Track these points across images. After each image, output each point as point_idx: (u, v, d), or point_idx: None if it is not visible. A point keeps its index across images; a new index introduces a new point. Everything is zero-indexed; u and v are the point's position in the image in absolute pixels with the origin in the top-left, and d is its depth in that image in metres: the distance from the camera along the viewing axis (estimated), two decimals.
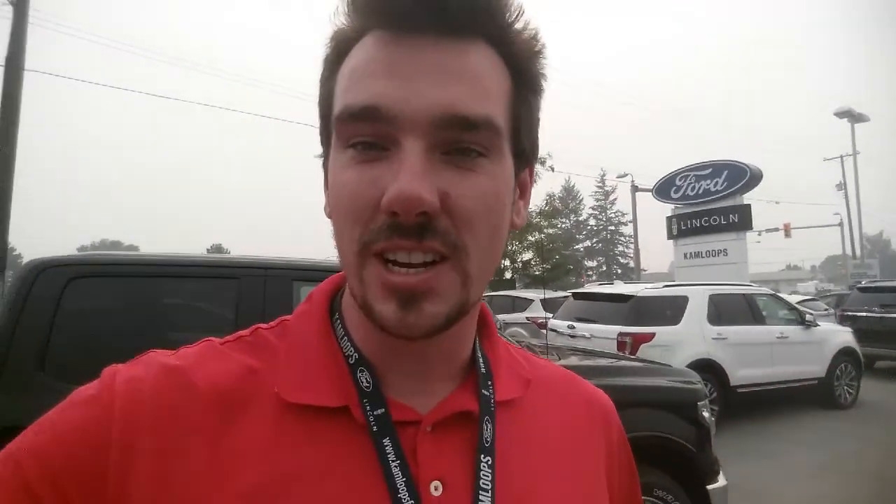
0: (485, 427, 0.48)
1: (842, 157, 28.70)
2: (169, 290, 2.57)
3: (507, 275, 19.40)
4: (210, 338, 0.50)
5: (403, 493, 0.42)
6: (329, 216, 0.47)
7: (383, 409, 0.45)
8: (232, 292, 2.49)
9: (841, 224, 29.74)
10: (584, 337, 6.49)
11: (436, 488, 0.44)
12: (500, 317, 9.96)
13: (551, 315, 8.07)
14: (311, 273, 2.72)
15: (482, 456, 0.47)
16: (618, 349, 6.01)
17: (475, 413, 0.48)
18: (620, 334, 6.13)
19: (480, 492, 0.45)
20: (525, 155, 0.49)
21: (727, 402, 6.42)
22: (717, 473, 3.08)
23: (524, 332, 9.33)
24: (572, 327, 6.80)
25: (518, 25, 0.45)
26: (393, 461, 0.43)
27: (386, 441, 0.44)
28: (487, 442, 0.48)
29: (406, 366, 0.48)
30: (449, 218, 0.41)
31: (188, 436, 0.42)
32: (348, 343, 0.48)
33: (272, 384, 0.46)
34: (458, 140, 0.42)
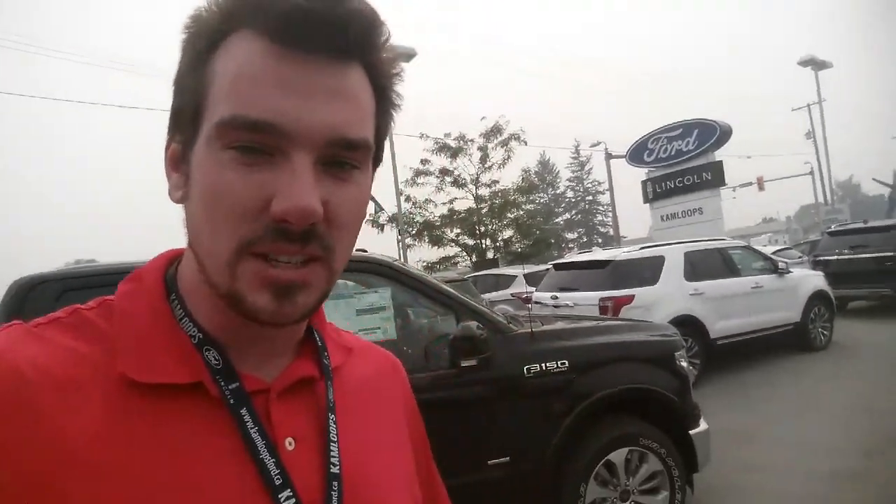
0: (329, 390, 0.56)
1: (808, 105, 29.13)
2: None
3: (490, 254, 19.53)
4: (15, 321, 0.49)
5: (264, 454, 0.47)
6: (178, 202, 0.50)
7: (238, 384, 0.49)
8: None
9: (812, 172, 30.32)
10: (567, 306, 6.66)
11: (290, 444, 0.50)
12: (486, 295, 10.08)
13: (534, 289, 8.25)
14: None
15: (330, 414, 0.54)
16: (600, 314, 6.20)
17: (315, 378, 0.55)
18: (601, 299, 6.31)
19: (331, 444, 0.52)
20: (377, 161, 0.55)
21: (708, 355, 6.66)
22: (699, 418, 3.27)
23: (510, 309, 9.44)
24: (555, 297, 6.97)
25: (385, 50, 0.49)
26: (251, 428, 0.48)
27: (243, 411, 0.48)
28: (331, 402, 0.55)
29: (255, 344, 0.52)
30: (327, 224, 0.46)
31: (27, 426, 0.42)
32: (189, 323, 0.51)
33: (108, 366, 0.47)
34: (339, 155, 0.46)
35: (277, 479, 0.47)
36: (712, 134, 16.72)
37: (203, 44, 0.46)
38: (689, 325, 6.33)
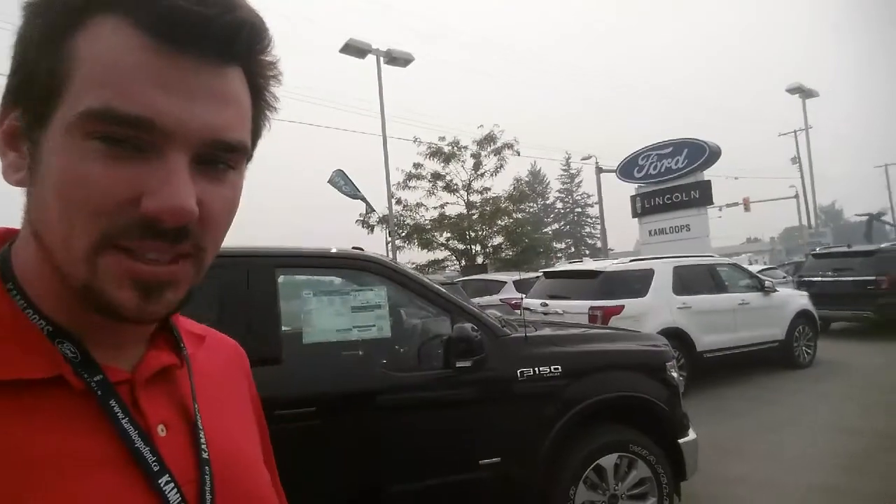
0: (191, 377, 0.56)
1: (795, 131, 29.71)
2: None
3: (479, 259, 19.57)
4: None
5: (139, 443, 0.46)
6: (17, 184, 0.47)
7: (102, 376, 0.48)
8: (215, 283, 2.53)
9: (797, 196, 30.85)
10: (556, 313, 6.68)
11: (162, 430, 0.50)
12: (475, 300, 10.08)
13: (524, 295, 8.26)
14: (292, 259, 2.78)
15: (195, 402, 0.54)
16: (589, 322, 6.23)
17: (174, 366, 0.55)
18: (591, 308, 6.35)
19: (199, 430, 0.53)
20: (249, 160, 0.55)
21: (694, 367, 6.72)
22: (687, 428, 3.29)
23: (498, 314, 9.45)
24: (545, 304, 7.00)
25: (267, 54, 0.49)
26: (122, 418, 0.47)
27: (112, 402, 0.47)
28: (194, 388, 0.55)
29: (110, 335, 0.50)
30: (199, 223, 0.45)
31: None
32: (33, 314, 0.48)
33: None
34: (216, 156, 0.46)
35: (155, 465, 0.47)
36: (701, 154, 16.93)
37: (59, 18, 0.43)
38: (676, 337, 6.37)
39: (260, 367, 2.32)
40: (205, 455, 0.52)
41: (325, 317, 2.64)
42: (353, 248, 3.07)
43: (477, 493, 2.70)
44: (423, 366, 2.79)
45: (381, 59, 15.24)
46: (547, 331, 3.30)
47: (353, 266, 2.84)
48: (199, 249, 0.47)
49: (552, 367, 2.85)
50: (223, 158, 0.47)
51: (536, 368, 2.82)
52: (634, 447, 3.00)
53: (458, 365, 2.60)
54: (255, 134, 0.53)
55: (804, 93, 26.10)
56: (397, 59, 15.46)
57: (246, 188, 0.52)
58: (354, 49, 14.82)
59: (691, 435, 3.28)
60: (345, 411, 2.52)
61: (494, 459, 2.69)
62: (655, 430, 3.14)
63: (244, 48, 0.46)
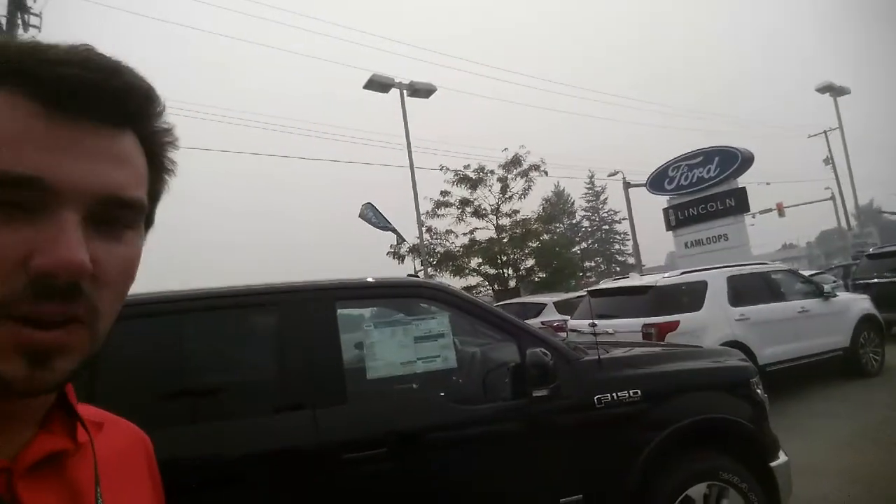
0: (95, 463, 0.52)
1: (825, 132, 29.01)
2: (208, 325, 2.50)
3: (511, 283, 19.35)
4: None
5: None
6: None
7: None
8: (273, 319, 2.43)
9: (832, 198, 29.91)
10: (607, 333, 6.43)
11: None
12: None
13: (569, 317, 8.03)
14: (351, 291, 2.67)
15: (98, 488, 0.50)
16: (643, 340, 5.96)
17: (68, 451, 0.50)
18: (645, 325, 6.08)
19: None
20: (150, 224, 0.55)
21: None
22: (778, 449, 3.03)
23: (564, 336, 9.19)
24: (594, 325, 6.75)
25: (160, 120, 0.51)
26: None
27: None
28: (97, 476, 0.51)
29: None
30: (94, 283, 0.44)
31: None
32: None
33: None
34: (111, 214, 0.45)
35: None
36: (734, 161, 16.58)
37: None
38: None
39: (326, 408, 2.21)
40: None
41: (388, 349, 2.51)
42: (408, 275, 2.95)
43: None
44: (490, 397, 2.62)
45: (405, 91, 15.42)
46: (618, 352, 3.10)
47: (415, 294, 2.72)
48: (94, 312, 0.44)
49: (631, 392, 2.65)
50: (119, 217, 0.46)
51: (614, 394, 2.62)
52: (724, 474, 2.75)
53: (535, 394, 2.43)
54: (154, 197, 0.53)
55: (835, 91, 25.54)
56: (419, 91, 15.64)
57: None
58: (378, 84, 15.07)
59: (782, 457, 3.02)
60: (417, 450, 2.35)
61: (576, 497, 2.48)
62: (744, 454, 2.90)
63: (134, 112, 0.47)
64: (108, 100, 0.45)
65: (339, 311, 2.53)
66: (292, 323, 2.39)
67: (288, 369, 2.33)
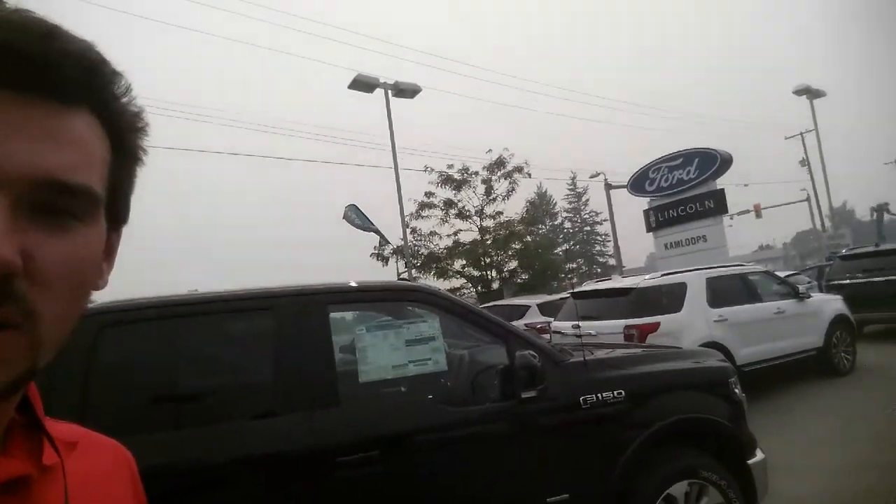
0: (66, 489, 0.46)
1: (801, 133, 29.62)
2: (204, 329, 2.53)
3: (495, 285, 19.45)
4: None
5: None
6: None
7: None
8: (269, 323, 2.46)
9: (808, 199, 30.56)
10: (589, 334, 6.53)
11: None
12: None
13: (552, 319, 8.13)
14: (344, 295, 2.71)
15: None
16: (625, 342, 6.07)
17: (31, 477, 0.44)
18: (627, 327, 6.20)
19: None
20: (119, 219, 0.50)
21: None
22: (755, 448, 3.14)
23: (548, 338, 9.25)
24: (577, 326, 6.85)
25: (124, 100, 0.46)
26: None
27: None
28: (68, 501, 0.46)
29: None
30: (29, 281, 0.38)
31: None
32: None
33: None
34: (52, 202, 0.40)
35: None
36: (713, 163, 16.86)
37: None
38: None
39: (319, 411, 2.25)
40: None
41: (380, 353, 2.56)
42: (399, 279, 3.00)
43: None
44: (479, 399, 2.67)
45: (390, 92, 15.44)
46: (602, 353, 3.18)
47: (408, 298, 2.76)
48: (30, 316, 0.38)
49: (615, 392, 2.73)
50: (62, 205, 0.40)
51: (599, 394, 2.70)
52: (704, 472, 2.85)
53: (523, 396, 2.49)
54: (119, 188, 0.47)
55: (811, 93, 26.11)
56: (405, 91, 15.67)
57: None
58: (363, 84, 15.06)
59: (759, 455, 3.13)
60: (409, 452, 2.41)
61: (562, 496, 2.55)
62: (723, 452, 3.00)
63: (76, 84, 0.41)
64: (48, 71, 0.39)
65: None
66: (286, 326, 2.42)
67: (281, 372, 2.36)
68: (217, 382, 2.49)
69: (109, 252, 0.50)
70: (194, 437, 2.17)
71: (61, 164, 0.39)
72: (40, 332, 0.39)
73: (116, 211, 0.48)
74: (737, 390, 3.16)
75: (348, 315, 3.05)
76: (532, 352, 2.58)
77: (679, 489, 2.79)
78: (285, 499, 2.15)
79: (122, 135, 0.46)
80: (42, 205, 0.39)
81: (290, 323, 2.43)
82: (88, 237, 0.43)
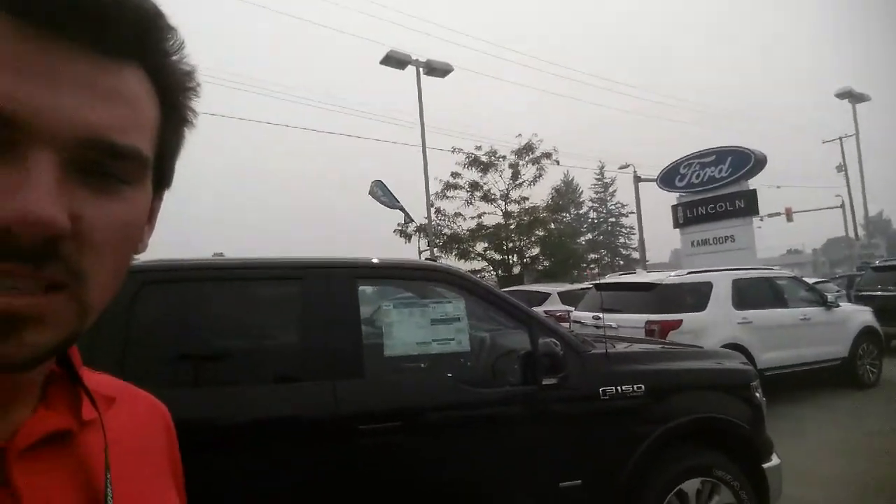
0: (106, 444, 0.46)
1: (840, 138, 28.75)
2: (237, 293, 2.60)
3: (516, 270, 19.42)
4: None
5: None
6: None
7: None
8: (296, 292, 2.52)
9: (842, 206, 29.76)
10: (610, 327, 6.50)
11: None
12: None
13: (573, 308, 8.11)
14: (373, 270, 2.75)
15: (108, 474, 0.44)
16: (646, 337, 6.05)
17: (72, 431, 0.44)
18: (648, 322, 6.17)
19: None
20: (163, 183, 0.48)
21: None
22: (772, 452, 3.13)
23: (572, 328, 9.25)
24: (598, 318, 6.84)
25: (176, 57, 0.43)
26: None
27: None
28: (107, 459, 0.45)
29: None
30: (76, 244, 0.37)
31: None
32: None
33: None
34: (100, 163, 0.38)
35: None
36: (746, 162, 16.49)
37: None
38: None
39: (345, 379, 2.32)
40: None
41: (406, 329, 2.60)
42: (427, 259, 3.03)
43: None
44: (500, 381, 2.71)
45: (421, 69, 15.35)
46: (623, 346, 3.19)
47: (435, 278, 2.79)
48: (77, 278, 0.37)
49: (635, 386, 2.74)
50: (111, 167, 0.38)
51: (619, 387, 2.72)
52: (718, 472, 2.86)
53: (544, 382, 2.52)
54: (167, 152, 0.46)
55: (854, 97, 25.28)
56: (436, 70, 15.57)
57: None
58: (394, 60, 14.99)
59: (775, 460, 3.12)
60: (429, 426, 2.46)
61: (575, 482, 2.60)
62: (739, 454, 3.00)
63: (130, 37, 0.39)
64: (102, 20, 0.36)
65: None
66: (315, 296, 2.48)
67: (310, 340, 2.42)
68: (248, 345, 2.57)
69: (151, 215, 0.48)
70: (220, 395, 2.26)
71: (113, 124, 0.38)
72: (86, 294, 0.38)
73: (162, 175, 0.47)
74: (758, 394, 3.14)
75: (376, 290, 3.10)
76: (555, 340, 2.60)
77: (691, 486, 2.81)
78: (304, 459, 2.22)
79: (173, 94, 0.44)
80: (91, 166, 0.38)
81: (321, 293, 2.49)
82: (135, 201, 0.41)
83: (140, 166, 0.41)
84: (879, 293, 10.15)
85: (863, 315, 7.87)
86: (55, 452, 0.42)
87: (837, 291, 14.27)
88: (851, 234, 29.32)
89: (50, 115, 0.35)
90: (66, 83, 0.36)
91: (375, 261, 2.77)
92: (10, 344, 0.35)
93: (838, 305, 7.60)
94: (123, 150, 0.39)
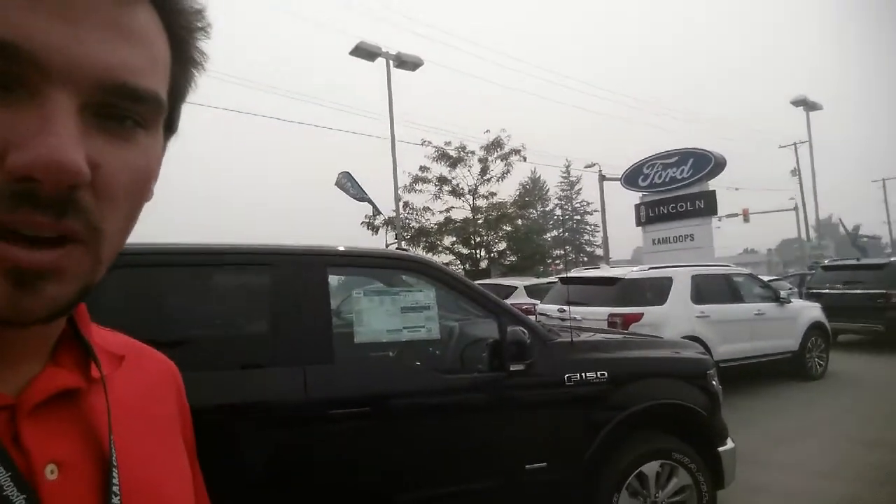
0: (108, 402, 0.45)
1: (795, 144, 29.94)
2: (203, 279, 2.58)
3: (483, 264, 19.58)
4: None
5: (10, 490, 0.35)
6: None
7: None
8: (266, 279, 2.51)
9: (796, 209, 31.02)
10: (574, 319, 6.66)
11: (51, 472, 0.38)
12: None
13: (538, 301, 8.25)
14: (343, 258, 2.76)
15: (111, 435, 0.43)
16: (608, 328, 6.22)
17: (80, 389, 0.43)
18: (611, 315, 6.35)
19: (113, 469, 0.42)
20: (171, 128, 0.46)
21: None
22: (726, 437, 3.28)
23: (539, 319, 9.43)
24: (562, 311, 6.98)
25: None
26: None
27: None
28: (109, 421, 0.44)
29: None
30: (93, 194, 0.35)
31: None
32: None
33: None
34: (118, 106, 0.36)
35: None
36: (707, 164, 17.06)
37: None
38: None
39: (314, 365, 2.33)
40: (115, 501, 0.40)
41: (376, 317, 2.63)
42: (398, 248, 3.06)
43: (521, 499, 2.68)
44: (468, 368, 2.77)
45: (391, 62, 15.28)
46: (587, 336, 3.28)
47: (405, 267, 2.82)
48: (94, 231, 0.36)
49: (598, 373, 2.84)
50: (129, 111, 0.37)
51: (583, 374, 2.81)
52: (676, 455, 2.98)
53: (512, 368, 2.58)
54: (177, 95, 0.44)
55: (808, 105, 26.32)
56: (406, 63, 15.51)
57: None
58: (365, 52, 14.87)
59: (730, 444, 3.27)
60: (399, 411, 2.50)
61: (541, 464, 2.68)
62: (696, 438, 3.13)
63: None
64: None
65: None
66: (285, 283, 2.47)
67: (280, 327, 2.42)
68: (214, 330, 2.55)
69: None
70: (187, 381, 2.23)
71: (131, 66, 0.36)
72: (101, 249, 0.37)
73: (171, 119, 0.45)
74: (714, 382, 3.28)
75: (345, 279, 3.12)
76: (523, 328, 2.67)
77: (651, 468, 2.93)
78: (274, 444, 2.23)
79: (183, 35, 0.42)
80: (109, 110, 0.36)
81: (291, 280, 2.48)
82: (151, 147, 0.40)
83: (156, 110, 0.39)
84: (828, 291, 10.67)
85: (812, 311, 8.25)
86: (64, 411, 0.42)
87: (790, 289, 14.86)
88: (804, 236, 30.61)
89: (69, 55, 0.33)
90: (84, 20, 0.34)
91: (346, 248, 2.78)
92: (32, 296, 0.34)
93: (790, 302, 7.95)
94: (143, 94, 0.37)
